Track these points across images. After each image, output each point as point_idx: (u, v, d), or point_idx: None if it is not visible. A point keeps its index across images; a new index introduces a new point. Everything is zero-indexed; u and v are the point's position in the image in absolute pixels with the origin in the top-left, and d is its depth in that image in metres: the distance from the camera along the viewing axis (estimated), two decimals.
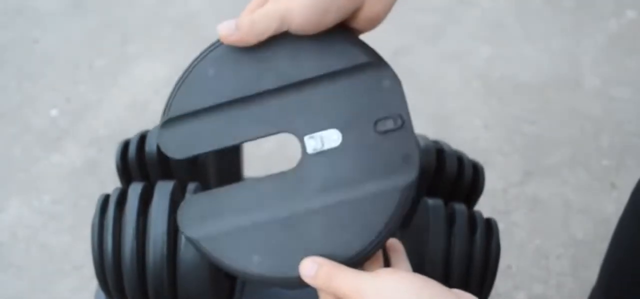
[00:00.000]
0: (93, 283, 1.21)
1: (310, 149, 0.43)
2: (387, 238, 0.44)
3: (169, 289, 0.54)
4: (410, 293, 0.39)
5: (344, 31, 0.44)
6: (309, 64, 0.43)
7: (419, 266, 0.60)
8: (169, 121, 0.44)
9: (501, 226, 0.64)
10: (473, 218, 0.61)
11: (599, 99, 1.60)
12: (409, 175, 0.43)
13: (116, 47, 1.77)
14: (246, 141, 0.44)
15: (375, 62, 0.44)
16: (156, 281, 0.53)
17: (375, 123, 0.43)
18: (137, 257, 0.54)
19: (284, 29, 0.42)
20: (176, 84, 0.46)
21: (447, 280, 0.59)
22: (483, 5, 1.91)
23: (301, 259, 0.43)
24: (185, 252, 0.54)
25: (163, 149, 0.44)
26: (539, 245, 1.29)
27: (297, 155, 0.44)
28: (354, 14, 0.44)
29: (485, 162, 0.71)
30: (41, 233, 1.31)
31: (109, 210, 0.55)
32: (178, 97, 0.45)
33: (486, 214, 0.63)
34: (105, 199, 0.57)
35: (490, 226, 0.61)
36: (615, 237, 0.71)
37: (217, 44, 0.45)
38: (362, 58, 0.43)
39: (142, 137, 0.63)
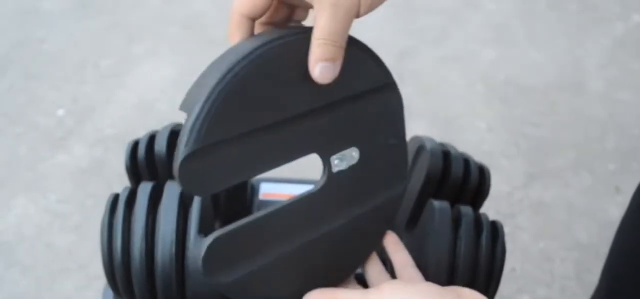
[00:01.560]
0: (98, 282, 1.21)
1: (335, 169, 0.43)
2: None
3: (178, 288, 0.55)
4: None
5: (366, 49, 0.43)
6: (337, 85, 0.40)
7: (425, 267, 0.60)
8: (191, 155, 0.37)
9: (505, 229, 0.64)
10: (479, 220, 0.61)
11: (603, 102, 1.60)
12: (403, 181, 0.47)
13: (122, 48, 1.78)
14: (276, 166, 0.41)
15: (390, 83, 0.44)
16: (165, 280, 0.54)
17: (385, 138, 0.44)
18: (146, 256, 0.54)
19: (353, 21, 0.39)
20: (198, 114, 0.37)
21: (452, 282, 0.59)
22: (487, 8, 1.92)
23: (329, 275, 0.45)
24: (194, 251, 0.54)
25: (187, 189, 0.38)
26: (543, 248, 1.29)
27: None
28: None
29: (489, 165, 0.71)
30: (47, 232, 1.32)
31: (119, 209, 0.56)
32: (205, 126, 0.37)
33: (490, 217, 0.64)
34: (115, 198, 0.58)
35: (495, 229, 0.61)
36: (617, 238, 0.71)
37: (237, 66, 0.38)
38: (382, 79, 0.43)
39: (152, 137, 0.63)
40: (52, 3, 1.92)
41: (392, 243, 0.50)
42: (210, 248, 0.40)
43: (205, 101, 0.37)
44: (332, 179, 0.43)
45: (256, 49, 0.37)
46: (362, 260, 0.49)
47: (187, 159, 0.37)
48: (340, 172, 0.43)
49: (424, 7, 1.93)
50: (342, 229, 0.45)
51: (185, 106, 0.38)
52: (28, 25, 1.86)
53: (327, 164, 0.43)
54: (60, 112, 1.58)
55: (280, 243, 0.43)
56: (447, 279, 0.59)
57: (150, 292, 0.55)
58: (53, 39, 1.81)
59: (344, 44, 0.38)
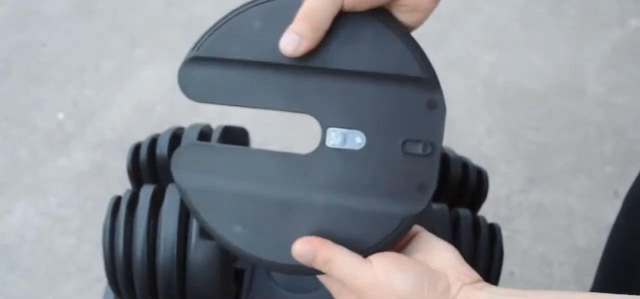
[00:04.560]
0: (98, 285, 1.22)
1: (329, 143, 0.41)
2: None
3: (179, 290, 0.55)
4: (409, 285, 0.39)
5: (409, 38, 0.42)
6: (360, 56, 0.40)
7: None
8: (195, 59, 0.41)
9: (504, 233, 0.64)
10: (477, 223, 0.61)
11: (602, 106, 1.61)
12: (418, 206, 0.41)
13: (123, 51, 1.78)
14: (269, 108, 0.41)
15: (428, 79, 0.41)
16: (166, 281, 0.54)
17: (404, 142, 0.40)
18: (148, 257, 0.55)
19: (339, 8, 0.40)
20: (215, 23, 0.42)
21: None
22: (487, 12, 1.92)
23: (282, 246, 0.40)
24: (195, 253, 0.54)
25: (181, 87, 0.41)
26: (542, 252, 1.29)
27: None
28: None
29: (488, 169, 0.72)
30: (47, 235, 1.32)
31: (121, 211, 0.56)
32: (214, 37, 0.41)
33: (489, 220, 0.64)
34: (117, 201, 0.58)
35: (493, 231, 0.62)
36: (609, 240, 0.72)
37: (253, 4, 0.41)
38: (416, 71, 0.41)
39: (153, 140, 0.64)
40: (53, 6, 1.92)
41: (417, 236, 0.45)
42: (187, 149, 0.43)
43: (217, 21, 0.41)
44: (322, 152, 0.41)
45: None
46: None
47: (188, 62, 0.42)
48: (335, 149, 0.41)
49: None
50: (322, 212, 0.41)
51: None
52: (29, 28, 1.86)
53: (322, 133, 0.41)
54: (61, 115, 1.58)
55: (252, 181, 0.41)
56: None
57: (151, 292, 0.56)
58: (54, 42, 1.82)
59: (320, 26, 0.39)
